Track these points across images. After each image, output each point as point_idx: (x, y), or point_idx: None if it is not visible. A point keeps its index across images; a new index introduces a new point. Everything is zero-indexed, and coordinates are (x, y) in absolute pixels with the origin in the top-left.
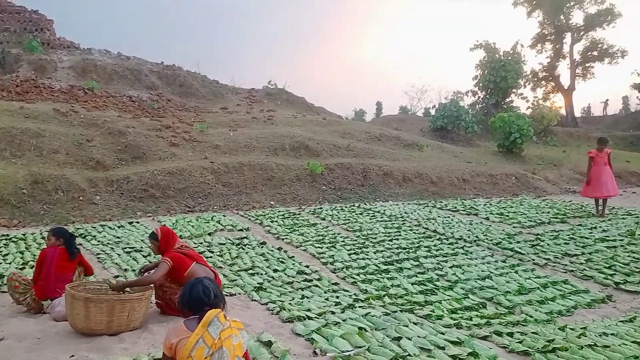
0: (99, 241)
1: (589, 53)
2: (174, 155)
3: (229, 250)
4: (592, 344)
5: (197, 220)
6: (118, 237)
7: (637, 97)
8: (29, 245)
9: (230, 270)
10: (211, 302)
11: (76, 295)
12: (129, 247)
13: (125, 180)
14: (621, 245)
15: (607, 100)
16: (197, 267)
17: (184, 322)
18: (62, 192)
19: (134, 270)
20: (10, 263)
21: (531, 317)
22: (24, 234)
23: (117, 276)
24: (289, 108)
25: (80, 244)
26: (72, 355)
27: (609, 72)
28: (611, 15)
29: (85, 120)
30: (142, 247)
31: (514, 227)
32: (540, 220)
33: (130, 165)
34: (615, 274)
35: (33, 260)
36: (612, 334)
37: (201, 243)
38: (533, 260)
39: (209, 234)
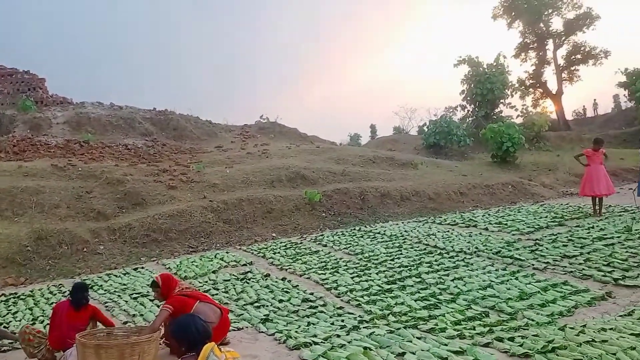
0: (105, 290)
1: (573, 57)
2: (173, 198)
3: (233, 285)
4: (591, 340)
5: (200, 259)
6: (124, 284)
7: (624, 95)
8: (37, 301)
9: (237, 305)
10: (209, 337)
11: (87, 343)
12: (136, 293)
13: (127, 227)
14: (619, 242)
15: (595, 100)
16: (202, 305)
17: None
18: (66, 245)
19: (142, 315)
20: (20, 320)
21: (532, 320)
22: (31, 291)
23: (125, 322)
24: (283, 140)
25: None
26: None
27: (595, 73)
28: (590, 18)
29: (83, 172)
30: (148, 292)
31: (513, 234)
32: (539, 225)
33: (131, 213)
34: (614, 270)
35: (42, 316)
36: (611, 329)
37: (206, 282)
38: (533, 265)
39: (214, 272)
